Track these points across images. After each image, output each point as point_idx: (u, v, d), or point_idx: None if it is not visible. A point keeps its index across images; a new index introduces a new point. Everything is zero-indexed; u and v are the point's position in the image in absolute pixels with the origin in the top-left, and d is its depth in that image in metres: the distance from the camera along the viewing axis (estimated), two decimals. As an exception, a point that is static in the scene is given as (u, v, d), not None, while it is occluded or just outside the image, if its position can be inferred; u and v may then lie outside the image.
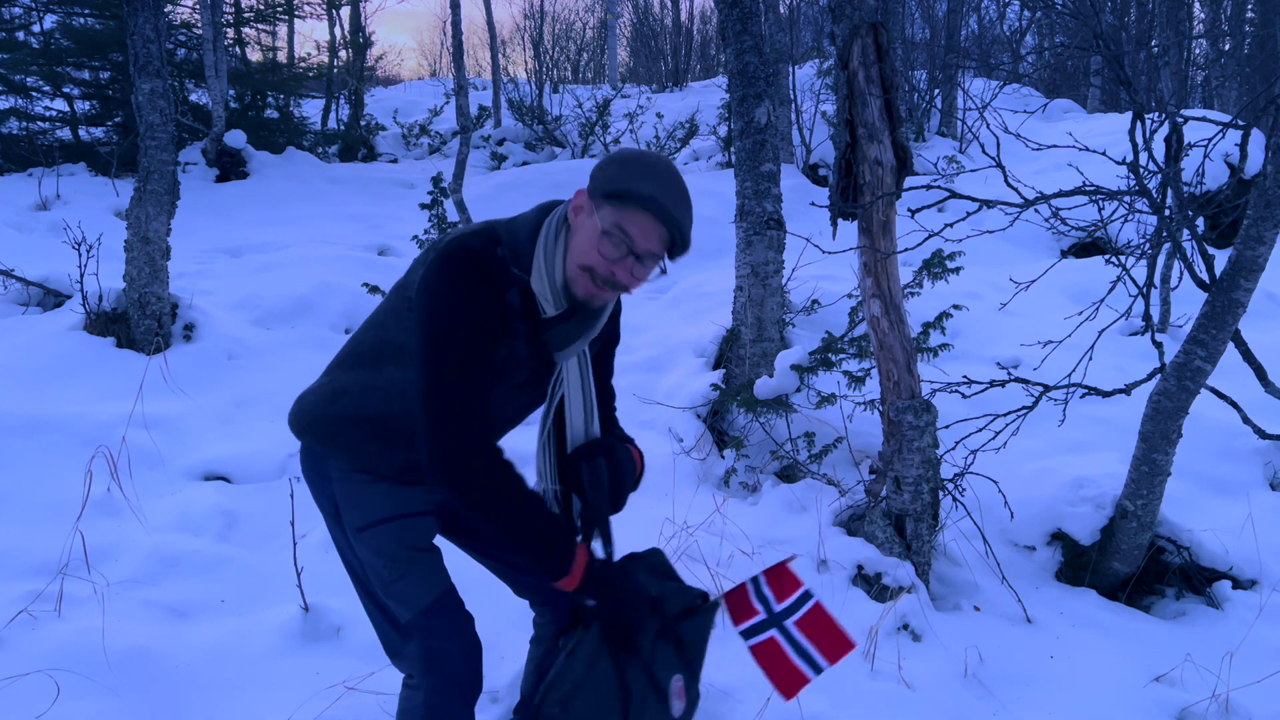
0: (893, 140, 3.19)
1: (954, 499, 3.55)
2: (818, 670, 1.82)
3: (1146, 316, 3.92)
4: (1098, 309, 3.88)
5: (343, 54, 12.80)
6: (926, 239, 3.43)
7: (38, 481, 3.69)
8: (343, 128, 12.71)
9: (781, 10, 10.98)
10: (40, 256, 5.83)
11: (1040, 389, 3.74)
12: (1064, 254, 8.01)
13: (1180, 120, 3.42)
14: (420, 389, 1.68)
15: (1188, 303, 4.36)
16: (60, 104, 9.96)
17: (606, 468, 1.84)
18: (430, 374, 1.68)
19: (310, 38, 57.96)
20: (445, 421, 1.66)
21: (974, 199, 3.37)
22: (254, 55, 12.72)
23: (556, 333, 1.79)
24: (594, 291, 1.74)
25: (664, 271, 1.78)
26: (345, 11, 12.83)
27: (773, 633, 1.82)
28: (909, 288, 4.75)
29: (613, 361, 2.10)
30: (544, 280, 1.74)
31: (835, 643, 1.83)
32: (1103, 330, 4.00)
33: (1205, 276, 3.29)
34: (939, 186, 3.36)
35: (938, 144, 11.09)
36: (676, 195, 1.72)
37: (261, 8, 11.85)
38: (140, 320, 4.95)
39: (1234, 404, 4.09)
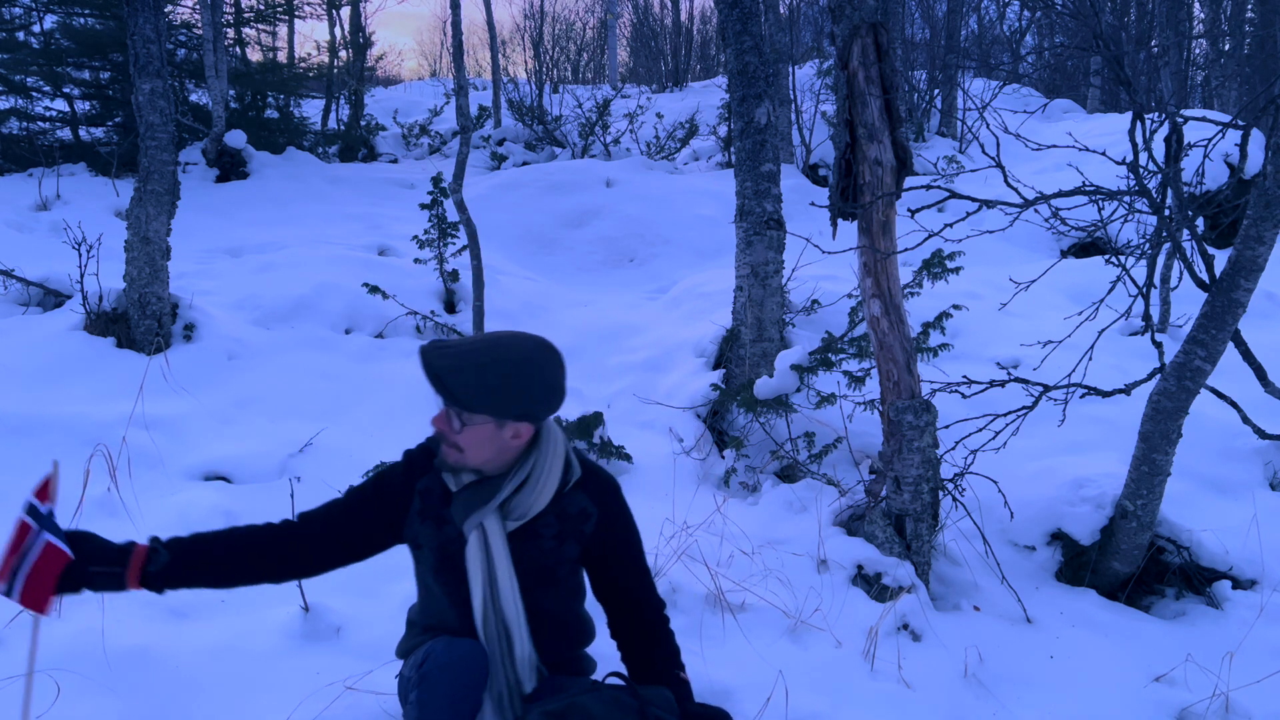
0: (893, 140, 3.19)
1: (954, 499, 3.55)
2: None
3: (1146, 316, 3.93)
4: (1098, 309, 3.88)
5: (343, 54, 12.77)
6: (926, 239, 3.42)
7: (38, 481, 3.68)
8: (343, 128, 12.67)
9: (781, 10, 10.99)
10: (40, 256, 5.82)
11: (1040, 389, 3.74)
12: (1064, 254, 8.00)
13: (1180, 120, 3.41)
14: None
15: (1188, 303, 4.36)
16: (60, 104, 9.93)
17: None
18: None
19: (310, 38, 57.94)
20: None
21: (974, 199, 3.37)
22: (254, 55, 12.72)
23: (457, 503, 2.03)
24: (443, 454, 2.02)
25: (460, 421, 1.93)
26: (345, 12, 12.81)
27: (46, 536, 1.87)
28: (909, 288, 4.75)
29: (624, 574, 2.16)
30: None
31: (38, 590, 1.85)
32: (1103, 330, 4.00)
33: (1205, 276, 3.29)
34: (939, 186, 3.35)
35: (938, 144, 11.09)
36: (454, 351, 1.93)
37: (261, 8, 11.83)
38: (140, 320, 4.95)
39: (1234, 404, 4.09)
